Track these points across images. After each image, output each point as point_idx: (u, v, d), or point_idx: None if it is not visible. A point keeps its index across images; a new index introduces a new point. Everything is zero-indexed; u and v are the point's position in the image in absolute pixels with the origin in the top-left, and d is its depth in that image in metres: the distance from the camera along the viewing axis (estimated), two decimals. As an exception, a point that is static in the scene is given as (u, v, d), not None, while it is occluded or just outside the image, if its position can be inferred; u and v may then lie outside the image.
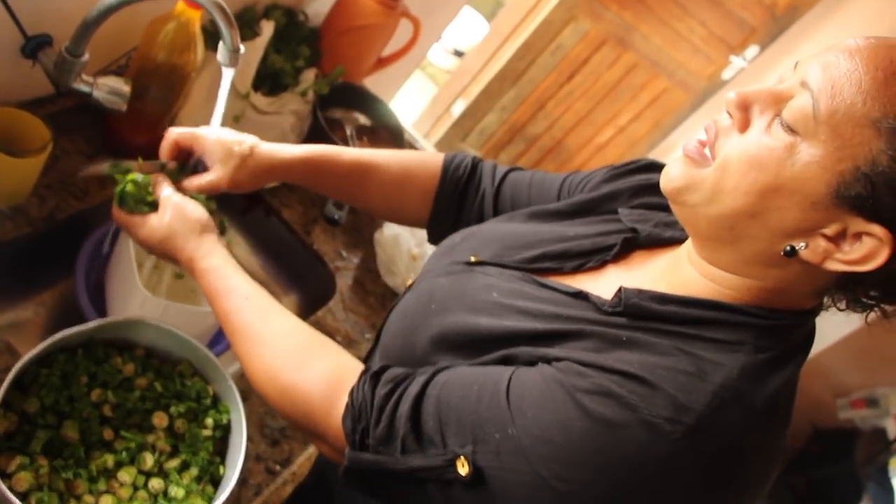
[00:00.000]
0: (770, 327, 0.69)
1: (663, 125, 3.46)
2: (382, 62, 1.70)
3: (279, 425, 1.14)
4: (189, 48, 1.13)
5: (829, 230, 0.63)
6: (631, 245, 0.84)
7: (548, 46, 3.26)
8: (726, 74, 3.28)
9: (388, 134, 1.63)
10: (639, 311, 0.72)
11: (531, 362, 0.72)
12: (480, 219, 1.04)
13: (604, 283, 0.80)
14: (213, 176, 0.96)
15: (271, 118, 1.41)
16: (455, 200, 1.05)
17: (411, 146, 1.71)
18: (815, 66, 0.64)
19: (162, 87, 1.18)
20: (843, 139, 0.61)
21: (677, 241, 0.81)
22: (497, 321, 0.77)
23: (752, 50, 3.22)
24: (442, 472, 0.69)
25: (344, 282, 1.40)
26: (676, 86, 3.34)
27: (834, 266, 0.64)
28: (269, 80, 1.44)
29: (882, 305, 0.68)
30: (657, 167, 0.93)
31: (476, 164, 1.07)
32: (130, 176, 0.94)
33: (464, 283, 0.85)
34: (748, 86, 0.69)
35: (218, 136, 0.96)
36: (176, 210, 0.91)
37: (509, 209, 1.02)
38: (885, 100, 0.59)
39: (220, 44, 0.96)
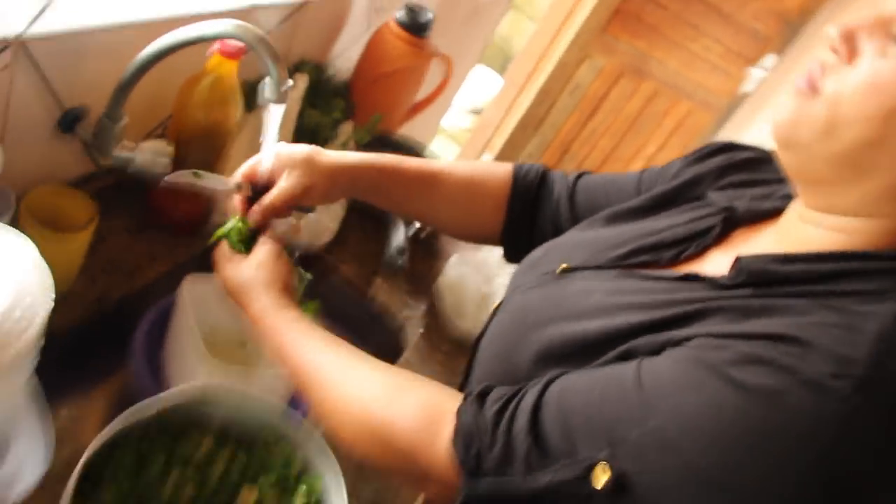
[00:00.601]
0: None
1: (691, 149, 3.40)
2: (417, 108, 1.66)
3: (373, 488, 1.03)
4: (228, 101, 1.08)
5: None
6: (730, 224, 0.76)
7: (565, 88, 3.25)
8: (748, 87, 3.23)
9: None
10: (763, 276, 0.64)
11: (656, 351, 0.63)
12: (556, 227, 0.97)
13: (710, 267, 0.72)
14: (281, 185, 0.91)
15: (314, 173, 1.36)
16: (529, 206, 0.99)
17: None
18: None
19: (203, 150, 1.12)
20: None
21: (778, 211, 0.73)
22: (606, 321, 0.69)
23: (770, 59, 3.18)
24: (577, 485, 0.59)
25: (415, 331, 1.31)
26: (699, 107, 3.30)
27: None
28: (308, 136, 1.39)
29: None
30: (736, 146, 0.88)
31: (545, 171, 1.02)
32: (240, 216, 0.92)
33: (559, 292, 0.78)
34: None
35: (276, 153, 0.92)
36: (269, 259, 0.87)
37: (587, 213, 0.95)
38: None
39: (267, 80, 0.90)
